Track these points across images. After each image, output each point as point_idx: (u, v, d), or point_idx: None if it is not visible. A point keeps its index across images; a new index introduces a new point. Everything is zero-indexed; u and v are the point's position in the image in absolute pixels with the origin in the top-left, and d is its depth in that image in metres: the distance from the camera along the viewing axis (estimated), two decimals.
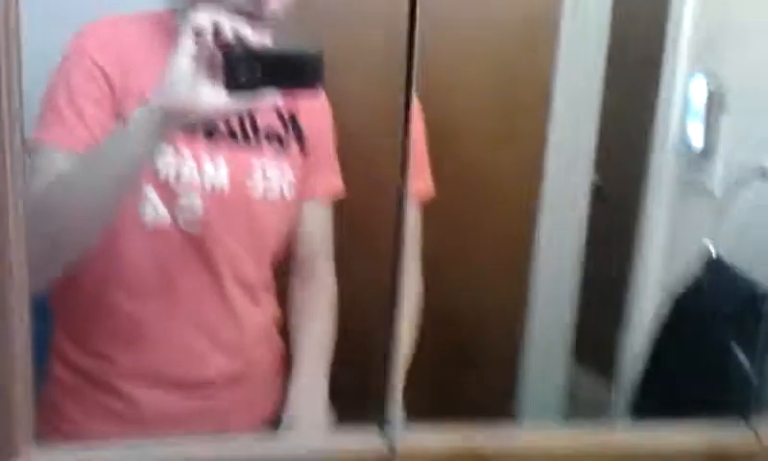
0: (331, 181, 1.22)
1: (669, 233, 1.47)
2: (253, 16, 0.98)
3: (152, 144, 0.92)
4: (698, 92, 1.32)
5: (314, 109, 1.17)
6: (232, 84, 0.88)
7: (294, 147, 1.15)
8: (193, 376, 1.11)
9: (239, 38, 0.88)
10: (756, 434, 0.93)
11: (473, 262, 1.85)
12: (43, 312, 1.13)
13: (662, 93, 1.46)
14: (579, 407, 2.07)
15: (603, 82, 1.91)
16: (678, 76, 1.42)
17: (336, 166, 1.22)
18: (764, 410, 0.98)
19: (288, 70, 0.90)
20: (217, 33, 0.87)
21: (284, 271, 1.22)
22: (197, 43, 0.87)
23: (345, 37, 1.66)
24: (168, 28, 1.06)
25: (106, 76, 1.02)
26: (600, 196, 2.07)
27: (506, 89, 1.80)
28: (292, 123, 1.15)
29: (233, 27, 0.88)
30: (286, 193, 1.13)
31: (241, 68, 0.87)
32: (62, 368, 1.11)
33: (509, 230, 1.90)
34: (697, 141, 1.32)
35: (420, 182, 1.24)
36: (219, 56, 0.88)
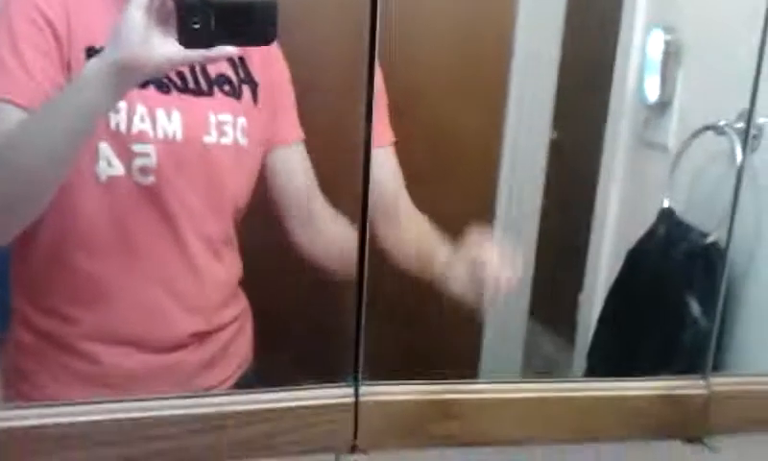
0: (295, 127, 1.21)
1: (627, 188, 1.49)
2: None
3: (106, 98, 0.90)
4: (655, 46, 1.33)
5: (267, 58, 1.16)
6: (185, 33, 0.86)
7: (246, 94, 1.14)
8: (156, 335, 1.11)
9: None
10: (708, 382, 0.97)
11: (434, 220, 1.86)
12: (2, 278, 1.13)
13: (620, 47, 1.47)
14: (539, 367, 2.12)
15: (562, 36, 1.92)
16: (636, 29, 1.43)
17: (295, 115, 1.21)
18: (717, 359, 1.02)
19: (242, 17, 0.89)
20: None
21: None
22: None
23: None
24: None
25: (51, 24, 0.99)
26: (559, 151, 2.10)
27: (466, 45, 1.80)
28: (243, 70, 1.14)
29: None
30: (240, 139, 1.11)
31: (194, 16, 0.86)
32: (23, 330, 1.10)
33: (470, 188, 1.90)
34: (653, 95, 1.34)
35: (382, 128, 1.24)
36: (171, 5, 0.86)
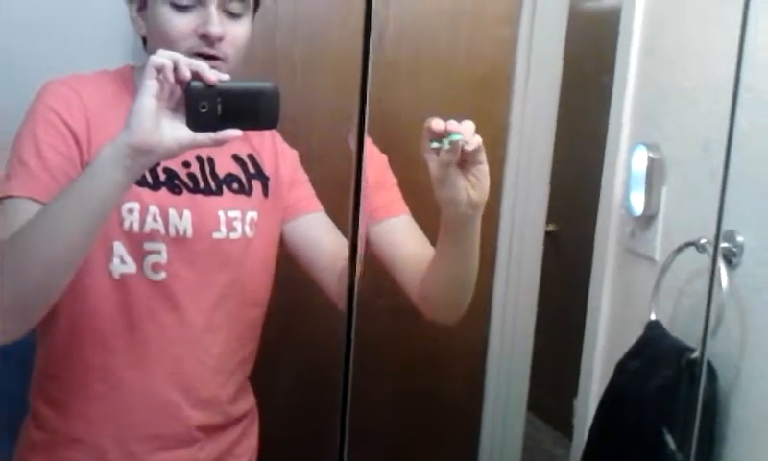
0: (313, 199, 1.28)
1: (616, 296, 1.52)
2: (207, 57, 1.06)
3: (119, 180, 0.92)
4: (640, 162, 1.38)
5: (275, 151, 1.23)
6: (193, 117, 0.91)
7: (257, 189, 1.20)
8: (166, 429, 1.13)
9: (198, 74, 0.91)
10: None
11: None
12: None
13: (607, 160, 1.52)
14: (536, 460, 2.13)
15: (554, 137, 1.98)
16: (621, 146, 1.48)
17: (310, 190, 1.28)
18: None
19: (247, 102, 0.93)
20: (177, 70, 0.90)
21: None
22: (158, 81, 0.90)
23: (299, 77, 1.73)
24: (127, 84, 1.13)
25: (70, 129, 1.05)
26: (555, 243, 2.14)
27: None
28: (254, 166, 1.20)
29: (191, 63, 0.91)
30: (248, 233, 1.17)
31: (201, 101, 0.90)
32: (35, 428, 1.13)
33: None
34: (639, 208, 1.38)
35: (393, 200, 1.29)
36: (179, 92, 0.91)
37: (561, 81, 1.93)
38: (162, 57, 0.90)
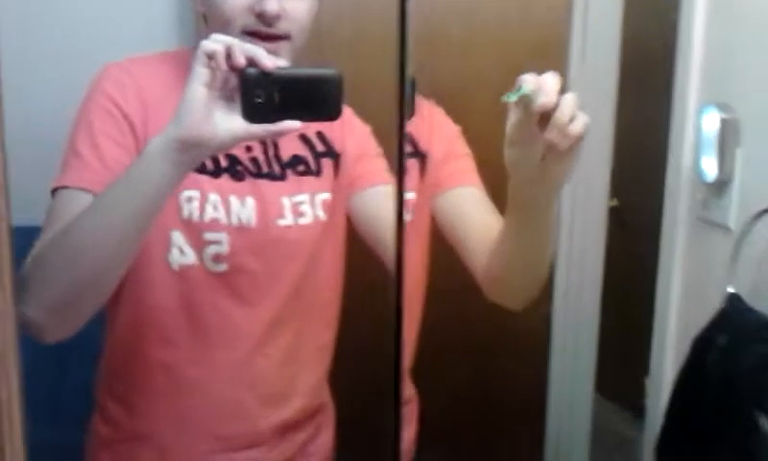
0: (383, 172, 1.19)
1: (689, 268, 1.44)
2: (265, 37, 0.99)
3: (170, 174, 0.87)
4: (711, 124, 1.29)
5: (345, 125, 1.15)
6: (249, 107, 0.84)
7: (327, 168, 1.13)
8: (232, 429, 1.09)
9: (254, 61, 0.84)
10: None
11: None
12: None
13: (674, 124, 1.44)
14: (605, 442, 2.05)
15: (615, 107, 1.90)
16: (689, 107, 1.40)
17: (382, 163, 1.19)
18: None
19: (307, 91, 0.86)
20: (230, 56, 0.84)
21: None
22: (210, 68, 0.84)
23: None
24: (186, 66, 1.04)
25: (126, 116, 1.01)
26: (619, 218, 2.06)
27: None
28: (323, 143, 1.13)
29: (246, 48, 0.84)
30: (321, 216, 1.10)
31: (257, 90, 0.84)
32: (101, 422, 1.11)
33: None
34: (711, 174, 1.30)
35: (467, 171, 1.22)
36: (234, 80, 0.85)
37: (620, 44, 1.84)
38: (214, 42, 0.84)
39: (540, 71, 0.87)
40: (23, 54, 1.28)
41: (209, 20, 1.05)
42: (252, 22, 1.00)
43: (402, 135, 0.80)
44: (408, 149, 1.15)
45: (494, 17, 1.81)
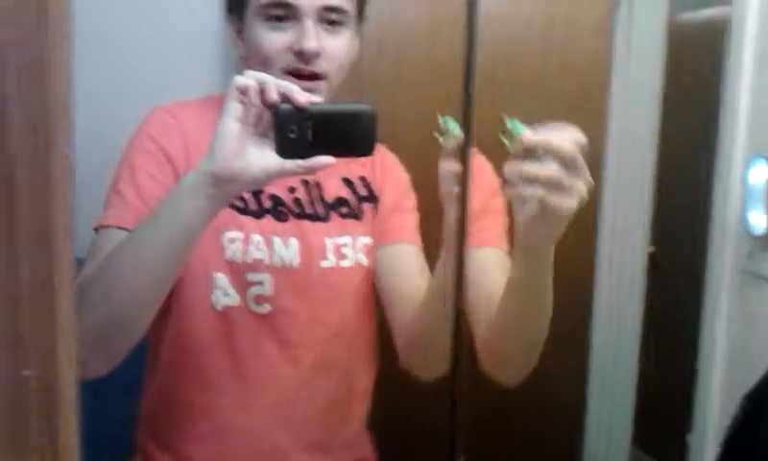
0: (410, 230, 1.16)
1: (734, 322, 1.41)
2: (304, 76, 1.00)
3: (201, 209, 0.85)
4: (759, 176, 1.27)
5: (387, 173, 1.15)
6: (282, 142, 0.83)
7: (368, 212, 1.12)
8: None
9: (287, 96, 0.83)
10: None
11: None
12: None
13: (720, 177, 1.42)
14: None
15: (656, 153, 1.88)
16: (736, 158, 1.38)
17: (412, 219, 1.17)
18: None
19: (340, 127, 0.85)
20: (264, 92, 0.83)
21: None
22: (242, 103, 0.83)
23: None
24: None
25: (168, 156, 1.02)
26: (654, 264, 2.03)
27: None
28: (365, 188, 1.13)
29: (280, 84, 0.84)
30: (362, 260, 1.10)
31: (290, 125, 0.83)
32: None
33: (564, 303, 1.85)
34: (760, 227, 1.28)
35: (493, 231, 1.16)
36: (268, 116, 0.84)
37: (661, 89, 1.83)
38: (248, 77, 0.84)
39: (579, 120, 0.86)
40: (79, 97, 1.31)
41: (249, 61, 1.06)
42: (291, 61, 1.01)
43: (467, 177, 0.78)
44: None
45: (537, 64, 1.81)
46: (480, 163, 1.25)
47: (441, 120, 0.85)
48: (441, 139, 0.85)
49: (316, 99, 0.85)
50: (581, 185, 0.81)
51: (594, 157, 1.88)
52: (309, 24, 1.00)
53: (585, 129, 1.97)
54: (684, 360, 1.58)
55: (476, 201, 1.20)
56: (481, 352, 1.04)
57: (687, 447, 1.50)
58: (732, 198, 1.37)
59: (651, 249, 2.03)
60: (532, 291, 0.92)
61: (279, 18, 1.01)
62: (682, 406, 1.54)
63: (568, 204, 0.80)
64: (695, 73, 2.06)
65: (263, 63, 1.01)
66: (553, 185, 0.79)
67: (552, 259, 0.88)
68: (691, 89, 2.04)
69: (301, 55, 1.01)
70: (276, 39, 1.01)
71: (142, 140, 1.04)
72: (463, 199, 0.77)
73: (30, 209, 0.52)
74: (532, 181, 0.79)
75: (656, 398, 1.96)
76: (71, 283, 0.56)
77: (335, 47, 1.03)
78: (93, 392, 0.97)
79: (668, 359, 1.97)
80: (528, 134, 0.81)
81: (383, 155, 1.17)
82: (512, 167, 0.81)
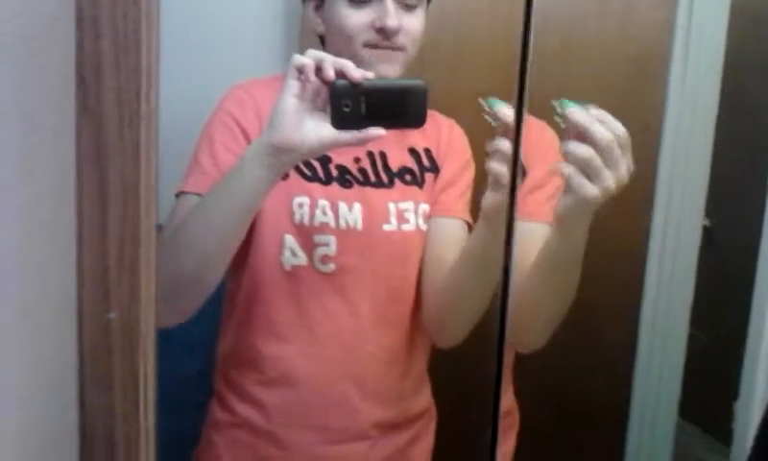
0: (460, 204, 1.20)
1: None
2: (382, 48, 1.08)
3: (262, 177, 0.95)
4: None
5: (452, 145, 1.21)
6: (337, 115, 0.91)
7: (429, 181, 1.18)
8: (340, 423, 1.14)
9: (343, 73, 0.91)
10: None
11: (578, 311, 1.84)
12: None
13: None
14: None
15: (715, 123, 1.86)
16: None
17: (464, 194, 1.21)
18: None
19: (392, 100, 0.92)
20: (321, 69, 0.91)
21: None
22: (300, 80, 0.91)
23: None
24: None
25: (243, 130, 1.10)
26: (709, 238, 2.01)
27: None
28: (429, 159, 1.19)
29: (336, 61, 0.91)
30: (422, 225, 1.16)
31: (345, 100, 0.90)
32: (219, 408, 1.19)
33: (616, 275, 1.87)
34: None
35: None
36: (325, 92, 0.92)
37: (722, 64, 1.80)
38: (306, 56, 0.92)
39: (640, 86, 0.90)
40: (177, 80, 1.42)
41: (329, 38, 1.14)
42: (372, 37, 1.08)
43: (518, 147, 0.83)
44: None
45: (594, 31, 1.80)
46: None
47: (484, 104, 0.91)
48: (489, 119, 0.91)
49: (369, 75, 0.92)
50: (608, 176, 0.88)
51: (653, 128, 1.88)
52: (389, 3, 1.07)
53: (643, 97, 1.97)
54: (731, 330, 1.58)
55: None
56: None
57: (733, 414, 1.51)
58: None
59: (706, 222, 2.01)
60: (560, 262, 1.00)
61: (360, 0, 1.08)
62: (729, 376, 1.55)
63: (592, 190, 0.88)
64: (758, 42, 2.01)
65: (345, 39, 1.09)
66: (581, 167, 0.87)
67: (584, 235, 0.96)
68: (753, 59, 2.00)
69: (383, 32, 1.07)
70: (358, 17, 1.08)
71: (221, 115, 1.12)
72: (513, 173, 0.82)
73: (118, 168, 0.57)
74: (566, 157, 0.88)
75: (703, 369, 1.96)
76: (153, 238, 0.62)
77: (411, 24, 1.10)
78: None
79: (715, 328, 1.96)
80: (573, 111, 0.88)
81: (450, 129, 1.23)
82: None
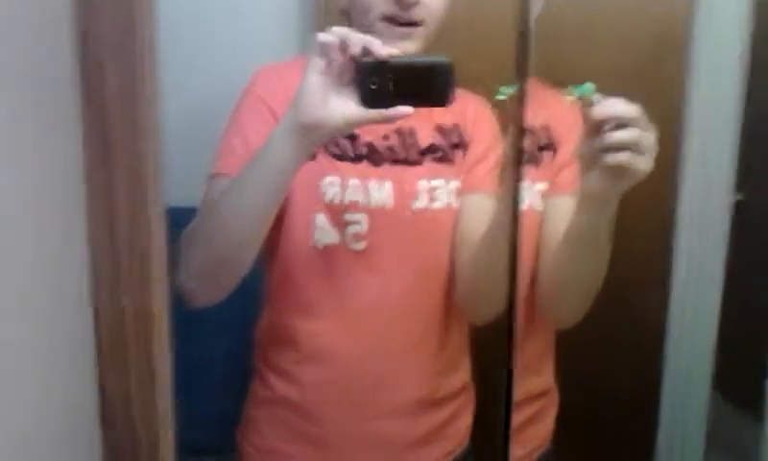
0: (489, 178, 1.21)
1: None
2: (401, 22, 1.07)
3: (290, 154, 0.95)
4: None
5: (479, 122, 1.21)
6: (364, 93, 0.90)
7: (459, 158, 1.18)
8: (376, 399, 1.15)
9: (369, 50, 0.90)
10: None
11: (608, 288, 1.83)
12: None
13: None
14: (720, 443, 1.98)
15: (743, 99, 1.83)
16: None
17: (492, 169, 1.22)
18: None
19: (419, 78, 0.91)
20: (346, 46, 0.90)
21: None
22: (325, 58, 0.91)
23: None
24: None
25: (272, 112, 1.11)
26: (741, 212, 1.98)
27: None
28: (457, 135, 1.19)
29: (362, 38, 0.90)
30: (453, 202, 1.16)
31: (372, 77, 0.89)
32: (259, 385, 1.22)
33: (643, 250, 1.85)
34: None
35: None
36: (350, 68, 0.91)
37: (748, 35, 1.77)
38: (331, 34, 0.90)
39: (661, 64, 0.91)
40: (190, 62, 1.47)
41: (352, 10, 1.12)
42: (390, 8, 1.07)
43: (522, 119, 0.83)
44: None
45: (615, 7, 1.78)
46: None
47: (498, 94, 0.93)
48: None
49: (395, 52, 0.91)
50: (654, 141, 0.93)
51: (676, 104, 1.85)
52: None
53: (665, 73, 1.93)
54: (764, 307, 1.55)
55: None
56: (538, 296, 1.15)
57: (764, 392, 1.49)
58: None
59: (739, 196, 1.98)
60: (595, 237, 1.03)
61: None
62: (760, 352, 1.53)
63: (648, 163, 0.93)
64: None
65: (364, 10, 1.08)
66: (636, 148, 0.91)
67: (616, 209, 1.00)
68: None
69: (401, 2, 1.06)
70: None
71: (250, 98, 1.13)
72: (517, 144, 0.83)
73: (123, 154, 0.59)
74: (618, 148, 0.92)
75: (736, 346, 1.93)
76: (162, 221, 0.63)
77: None
78: (186, 335, 1.09)
79: (749, 305, 1.93)
80: (597, 110, 0.92)
81: (476, 105, 1.22)
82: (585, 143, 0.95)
